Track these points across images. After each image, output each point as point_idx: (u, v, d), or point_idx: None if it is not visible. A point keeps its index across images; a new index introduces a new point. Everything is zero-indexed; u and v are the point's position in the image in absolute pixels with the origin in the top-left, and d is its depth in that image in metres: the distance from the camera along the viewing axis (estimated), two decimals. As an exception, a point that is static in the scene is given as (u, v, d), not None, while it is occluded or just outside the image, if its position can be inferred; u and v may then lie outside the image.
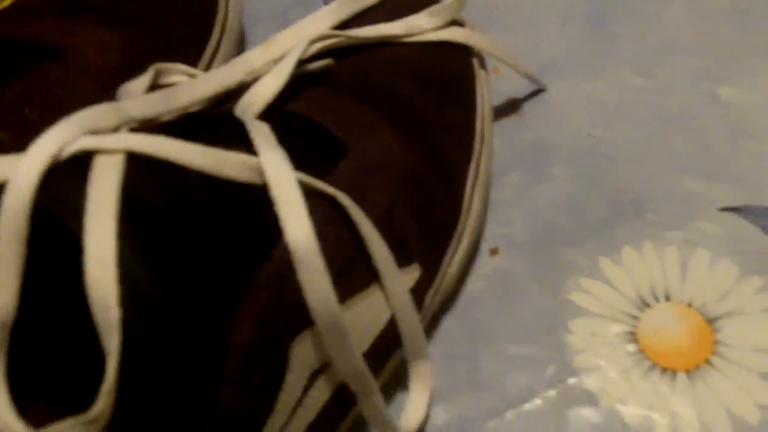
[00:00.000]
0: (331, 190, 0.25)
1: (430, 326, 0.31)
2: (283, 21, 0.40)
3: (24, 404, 0.21)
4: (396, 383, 0.29)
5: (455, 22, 0.32)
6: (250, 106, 0.28)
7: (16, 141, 0.28)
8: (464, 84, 0.32)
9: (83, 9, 0.33)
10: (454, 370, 0.30)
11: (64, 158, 0.22)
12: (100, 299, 0.20)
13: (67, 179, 0.22)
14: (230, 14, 0.37)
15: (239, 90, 0.30)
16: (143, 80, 0.29)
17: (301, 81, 0.30)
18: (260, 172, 0.24)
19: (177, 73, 0.30)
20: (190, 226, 0.23)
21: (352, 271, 0.26)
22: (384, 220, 0.27)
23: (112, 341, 0.20)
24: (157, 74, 0.29)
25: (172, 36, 0.34)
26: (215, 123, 0.28)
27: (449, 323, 0.31)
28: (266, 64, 0.30)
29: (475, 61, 0.32)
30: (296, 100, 0.30)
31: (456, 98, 0.31)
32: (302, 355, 0.24)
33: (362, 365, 0.25)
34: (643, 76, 0.36)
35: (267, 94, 0.29)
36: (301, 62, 0.30)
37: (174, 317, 0.21)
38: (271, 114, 0.29)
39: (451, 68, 0.31)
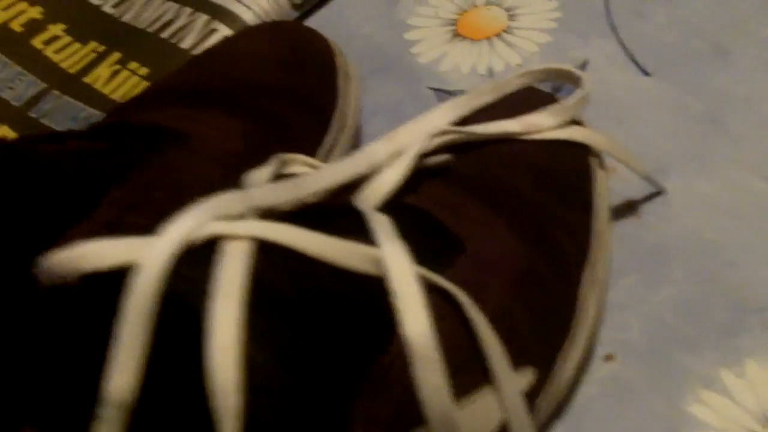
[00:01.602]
0: (448, 285, 0.25)
1: None
2: (397, 114, 0.41)
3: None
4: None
5: (574, 121, 0.32)
6: (371, 198, 0.29)
7: (147, 224, 0.29)
8: (582, 183, 0.31)
9: (207, 97, 0.34)
10: (566, 480, 0.29)
11: (193, 243, 0.22)
12: (221, 385, 0.20)
13: (196, 264, 0.22)
14: (349, 110, 0.37)
15: (358, 182, 0.30)
16: (268, 169, 0.29)
17: (420, 175, 0.31)
18: (379, 263, 0.24)
19: (299, 164, 0.31)
20: (312, 315, 0.23)
21: (465, 371, 0.25)
22: (500, 319, 0.27)
23: (228, 428, 0.20)
24: (281, 164, 0.30)
25: (292, 127, 0.35)
26: (335, 214, 0.29)
27: (558, 430, 0.30)
28: (388, 158, 0.30)
29: (594, 161, 0.32)
30: (415, 194, 0.30)
31: (573, 197, 0.31)
32: (413, 453, 0.24)
33: (472, 465, 0.25)
34: (764, 180, 0.35)
35: (387, 187, 0.29)
36: (422, 156, 0.31)
37: (294, 407, 0.21)
38: (390, 206, 0.29)
39: (569, 167, 0.31)
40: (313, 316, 0.23)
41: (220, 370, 0.20)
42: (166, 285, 0.21)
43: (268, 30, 0.38)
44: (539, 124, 0.31)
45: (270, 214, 0.27)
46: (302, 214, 0.28)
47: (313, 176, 0.28)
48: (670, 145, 0.37)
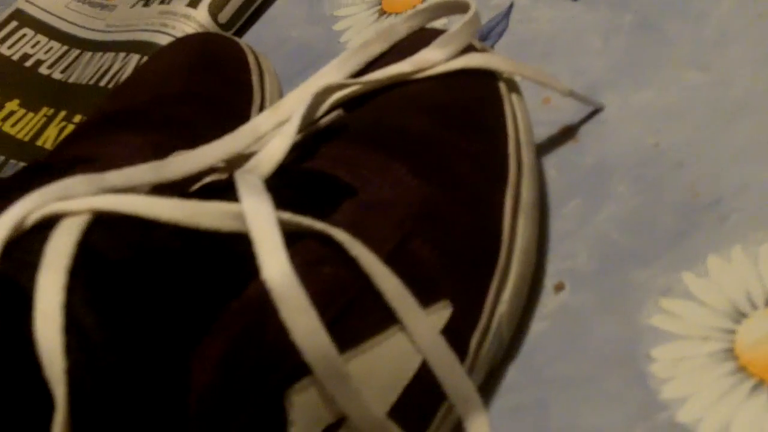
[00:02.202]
0: (320, 226, 0.23)
1: (491, 378, 0.27)
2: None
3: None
4: (452, 443, 0.26)
5: (473, 49, 0.30)
6: (258, 169, 0.27)
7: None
8: (488, 110, 0.29)
9: (118, 122, 0.34)
10: (521, 423, 0.26)
11: (29, 225, 0.22)
12: (47, 350, 0.19)
13: (30, 244, 0.21)
14: (267, 104, 0.36)
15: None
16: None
17: (317, 137, 0.29)
18: (243, 219, 0.23)
19: (198, 157, 0.30)
20: (155, 278, 0.21)
21: (360, 313, 0.23)
22: (396, 256, 0.25)
23: (59, 391, 0.19)
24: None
25: (206, 130, 0.34)
26: (223, 189, 0.27)
27: (512, 373, 0.27)
28: (274, 128, 0.29)
29: (502, 86, 0.30)
30: (313, 157, 0.28)
31: (478, 126, 0.28)
32: (305, 405, 0.22)
33: (380, 415, 0.22)
34: (702, 70, 0.32)
35: (275, 157, 0.27)
36: (316, 119, 0.29)
37: (126, 362, 0.20)
38: (279, 175, 0.27)
39: (472, 97, 0.29)
40: (155, 278, 0.21)
41: (45, 336, 0.19)
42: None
43: (175, 44, 0.37)
44: (430, 60, 0.29)
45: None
46: (188, 195, 0.27)
47: (185, 156, 0.27)
48: (602, 65, 0.34)
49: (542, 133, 0.33)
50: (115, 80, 0.44)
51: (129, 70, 0.43)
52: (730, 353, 0.25)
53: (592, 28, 0.35)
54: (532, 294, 0.29)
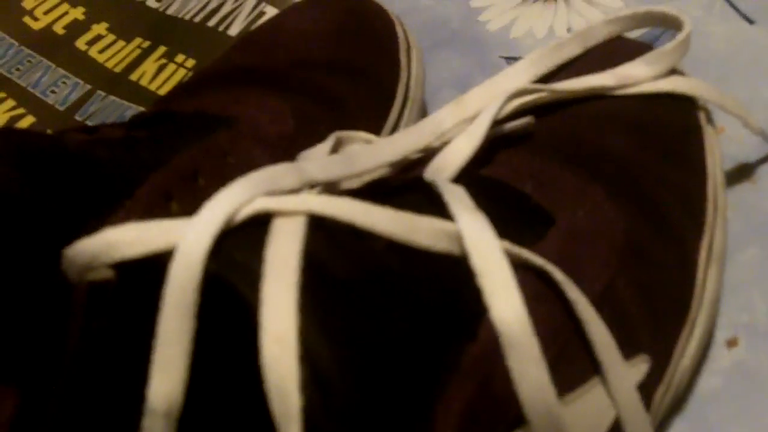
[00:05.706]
0: (540, 261, 0.21)
1: (657, 430, 0.26)
2: (465, 89, 0.36)
3: None
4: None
5: (674, 71, 0.28)
6: (441, 171, 0.25)
7: (189, 212, 0.25)
8: (690, 141, 0.27)
9: (253, 78, 0.31)
10: (693, 487, 0.25)
11: (239, 221, 0.19)
12: (279, 383, 0.17)
13: (242, 244, 0.19)
14: (412, 81, 0.34)
15: (428, 155, 0.26)
16: (324, 147, 0.26)
17: (497, 142, 0.27)
18: (458, 240, 0.21)
19: (358, 141, 0.27)
20: (379, 300, 0.19)
21: (568, 361, 0.21)
22: (603, 300, 0.23)
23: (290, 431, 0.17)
24: (338, 142, 0.27)
25: (349, 103, 0.31)
26: (402, 190, 0.25)
27: (680, 427, 0.26)
28: (457, 125, 0.27)
29: (701, 115, 0.28)
30: (492, 164, 0.26)
31: (681, 157, 0.26)
32: (514, 460, 0.20)
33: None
34: None
35: (459, 158, 0.25)
36: (497, 122, 0.27)
37: (363, 406, 0.17)
38: (463, 180, 0.25)
39: (674, 123, 0.27)
40: (379, 300, 0.19)
41: (277, 365, 0.17)
42: (209, 270, 0.18)
43: (318, 3, 0.34)
44: (635, 76, 0.27)
45: (325, 191, 0.23)
46: (365, 192, 0.24)
47: (371, 149, 0.25)
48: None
49: (716, 166, 0.31)
50: (225, 23, 0.40)
51: (243, 14, 0.40)
52: None
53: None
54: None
